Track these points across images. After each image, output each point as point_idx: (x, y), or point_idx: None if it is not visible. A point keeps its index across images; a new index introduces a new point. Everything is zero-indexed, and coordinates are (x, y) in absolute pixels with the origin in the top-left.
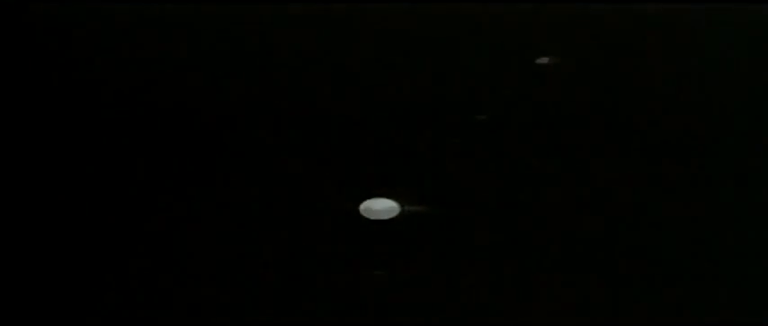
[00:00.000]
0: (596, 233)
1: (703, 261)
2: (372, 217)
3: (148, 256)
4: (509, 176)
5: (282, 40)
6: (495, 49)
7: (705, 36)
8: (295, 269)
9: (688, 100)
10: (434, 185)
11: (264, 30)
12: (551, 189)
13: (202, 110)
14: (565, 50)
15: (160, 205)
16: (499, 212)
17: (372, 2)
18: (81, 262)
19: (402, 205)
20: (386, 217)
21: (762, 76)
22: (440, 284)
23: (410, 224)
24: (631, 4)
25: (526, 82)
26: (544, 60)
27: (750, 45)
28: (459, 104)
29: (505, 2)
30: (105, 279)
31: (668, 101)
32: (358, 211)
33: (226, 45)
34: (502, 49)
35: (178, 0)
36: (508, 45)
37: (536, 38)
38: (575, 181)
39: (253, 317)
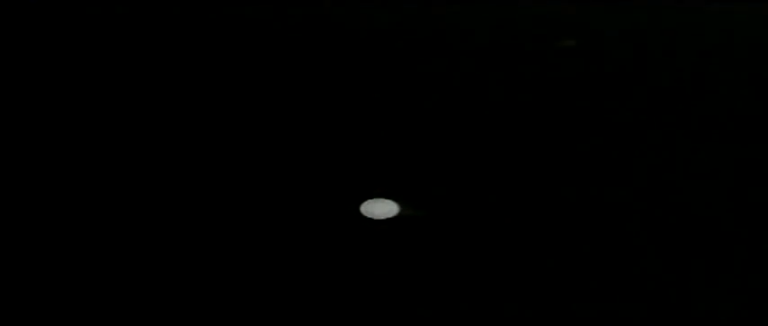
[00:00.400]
0: (596, 234)
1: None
2: (373, 217)
3: (148, 256)
4: (509, 177)
5: (282, 39)
6: (496, 50)
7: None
8: (295, 269)
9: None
10: (434, 186)
11: (265, 30)
12: (552, 189)
13: (202, 110)
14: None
15: (160, 205)
16: (499, 212)
17: (372, 2)
18: (81, 262)
19: (401, 206)
20: (386, 217)
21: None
22: (439, 283)
23: (410, 224)
24: None
25: (527, 83)
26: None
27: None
28: (458, 104)
29: (506, 2)
30: (105, 279)
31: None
32: (359, 211)
33: (226, 45)
34: (502, 49)
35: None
36: (508, 45)
37: (537, 36)
38: (575, 181)
39: (253, 317)
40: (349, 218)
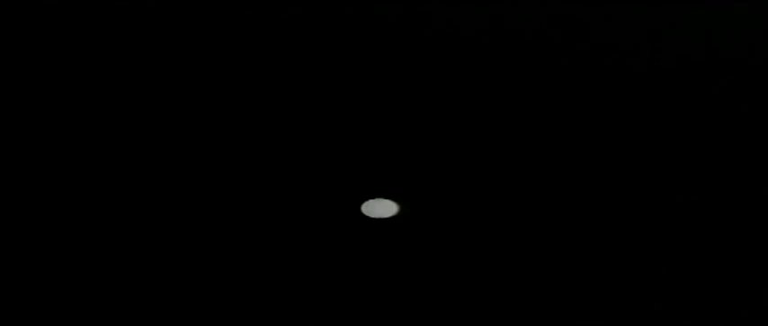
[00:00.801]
0: (596, 234)
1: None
2: (374, 216)
3: (149, 256)
4: (508, 176)
5: (283, 39)
6: (495, 52)
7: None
8: (298, 267)
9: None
10: (433, 186)
11: (265, 30)
12: (551, 189)
13: (203, 110)
14: (568, 52)
15: (160, 205)
16: (499, 211)
17: (373, 4)
18: (82, 262)
19: (401, 205)
20: (386, 216)
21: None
22: (438, 281)
23: (409, 223)
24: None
25: (526, 84)
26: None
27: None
28: (458, 105)
29: (507, 5)
30: (105, 279)
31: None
32: (360, 210)
33: (226, 44)
34: (501, 52)
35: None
36: (508, 48)
37: (537, 41)
38: (574, 181)
39: (254, 315)
40: (350, 217)
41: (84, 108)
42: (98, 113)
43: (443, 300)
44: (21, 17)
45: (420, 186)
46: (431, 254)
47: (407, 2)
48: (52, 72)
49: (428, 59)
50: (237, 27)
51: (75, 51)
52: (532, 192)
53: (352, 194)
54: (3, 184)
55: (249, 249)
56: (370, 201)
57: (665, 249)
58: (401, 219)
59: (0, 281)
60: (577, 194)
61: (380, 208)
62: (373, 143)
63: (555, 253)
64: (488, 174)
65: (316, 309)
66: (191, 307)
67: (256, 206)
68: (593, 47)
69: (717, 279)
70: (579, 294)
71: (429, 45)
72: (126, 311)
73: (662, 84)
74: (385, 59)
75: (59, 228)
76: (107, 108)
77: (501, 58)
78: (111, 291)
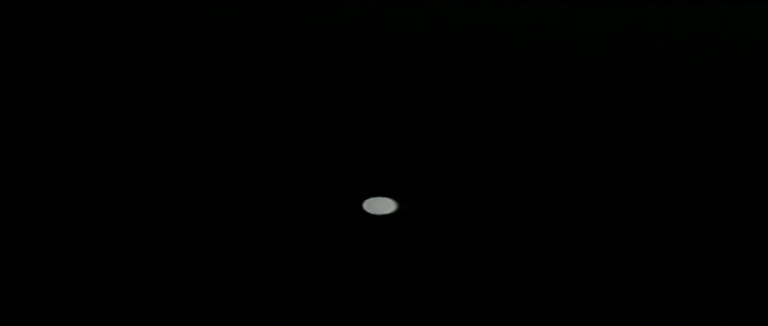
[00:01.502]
0: (594, 232)
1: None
2: (375, 213)
3: (149, 256)
4: (506, 175)
5: (283, 40)
6: (495, 53)
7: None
8: (300, 264)
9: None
10: (433, 185)
11: (265, 30)
12: (550, 189)
13: (204, 108)
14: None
15: (160, 205)
16: (496, 210)
17: (373, 4)
18: (82, 262)
19: (400, 203)
20: (386, 212)
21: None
22: (437, 278)
23: (409, 221)
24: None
25: (526, 84)
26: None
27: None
28: (457, 105)
29: (504, 6)
30: (105, 279)
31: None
32: (361, 208)
33: (226, 45)
34: (500, 52)
35: (179, 2)
36: (507, 49)
37: (536, 43)
38: (573, 181)
39: (256, 312)
40: (351, 215)
41: (86, 109)
42: (99, 114)
43: (442, 297)
44: (21, 17)
45: (419, 185)
46: (430, 251)
47: (407, 2)
48: (54, 73)
49: (428, 59)
50: (238, 26)
51: (76, 52)
52: (530, 190)
53: (354, 191)
54: (2, 184)
55: (252, 246)
56: (372, 198)
57: (665, 249)
58: (401, 216)
59: (0, 281)
60: (576, 193)
61: (381, 205)
62: (374, 143)
63: (553, 251)
64: (487, 173)
65: (318, 305)
66: (191, 306)
67: (260, 203)
68: (591, 48)
69: (715, 279)
70: (578, 293)
71: (429, 45)
72: (125, 310)
73: (658, 84)
74: (385, 60)
75: (59, 228)
76: (107, 108)
77: (501, 57)
78: (111, 291)
